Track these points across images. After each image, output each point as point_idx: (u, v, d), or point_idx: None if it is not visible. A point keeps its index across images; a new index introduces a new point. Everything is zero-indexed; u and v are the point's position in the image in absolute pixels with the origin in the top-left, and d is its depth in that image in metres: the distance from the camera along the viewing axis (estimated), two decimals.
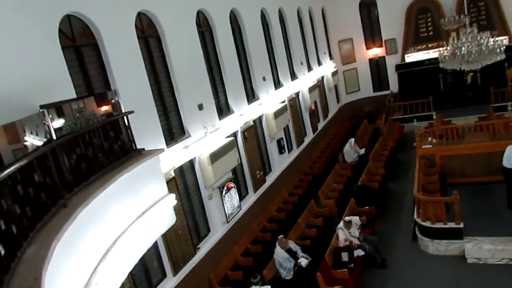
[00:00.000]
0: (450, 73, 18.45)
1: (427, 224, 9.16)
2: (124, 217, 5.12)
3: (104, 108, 5.77)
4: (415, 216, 9.67)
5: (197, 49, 9.53)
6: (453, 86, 19.26)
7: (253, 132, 11.54)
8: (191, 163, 8.98)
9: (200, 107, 9.27)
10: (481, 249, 8.60)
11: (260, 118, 12.19)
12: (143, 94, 7.61)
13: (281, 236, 8.76)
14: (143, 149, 5.99)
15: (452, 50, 10.48)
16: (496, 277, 8.04)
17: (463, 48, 10.18)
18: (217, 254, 9.07)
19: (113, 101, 5.91)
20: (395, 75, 20.45)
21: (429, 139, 12.15)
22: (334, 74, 19.85)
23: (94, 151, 5.11)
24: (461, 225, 8.82)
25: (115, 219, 4.92)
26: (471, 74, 11.83)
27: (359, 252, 8.68)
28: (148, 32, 8.23)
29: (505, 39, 17.71)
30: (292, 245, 8.76)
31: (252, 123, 11.47)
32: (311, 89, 16.11)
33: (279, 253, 8.39)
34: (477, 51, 10.02)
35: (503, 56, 10.32)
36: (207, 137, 9.23)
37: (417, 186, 9.73)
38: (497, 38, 10.84)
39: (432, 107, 18.16)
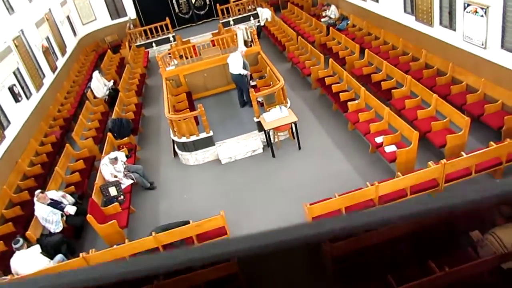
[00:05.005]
0: None
1: (184, 139, 9.90)
2: None
3: None
4: (171, 135, 10.30)
5: None
6: (187, 7, 20.16)
7: None
8: None
9: None
10: (230, 149, 9.95)
11: None
12: None
13: (38, 191, 8.02)
14: None
15: None
16: (245, 167, 9.54)
17: None
18: None
19: None
20: (129, 0, 19.88)
21: (172, 61, 12.66)
22: (63, 4, 17.90)
23: None
24: (211, 133, 9.88)
25: None
26: None
27: (127, 183, 8.82)
28: None
29: None
30: (54, 196, 8.20)
31: None
32: (38, 24, 14.22)
33: (41, 209, 7.75)
34: None
35: None
36: None
37: (168, 107, 10.23)
38: None
39: (171, 29, 18.73)
